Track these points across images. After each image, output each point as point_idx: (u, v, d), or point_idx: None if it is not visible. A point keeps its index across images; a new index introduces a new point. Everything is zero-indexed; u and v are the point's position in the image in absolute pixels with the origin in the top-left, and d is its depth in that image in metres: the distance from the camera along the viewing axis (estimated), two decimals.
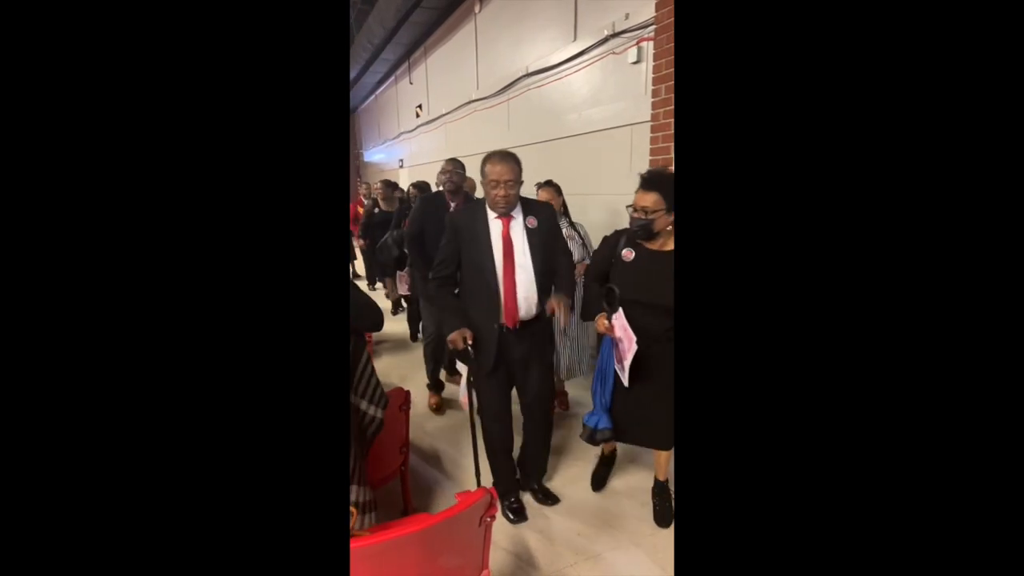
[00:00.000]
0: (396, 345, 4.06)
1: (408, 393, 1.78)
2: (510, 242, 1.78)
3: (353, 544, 0.86)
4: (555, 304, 1.68)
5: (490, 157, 1.73)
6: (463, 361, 1.89)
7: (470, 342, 1.73)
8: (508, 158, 1.73)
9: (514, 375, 1.91)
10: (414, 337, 4.09)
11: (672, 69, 2.37)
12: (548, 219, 1.87)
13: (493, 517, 1.09)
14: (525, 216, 1.82)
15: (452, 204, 2.58)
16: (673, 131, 2.39)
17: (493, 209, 1.78)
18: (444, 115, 6.16)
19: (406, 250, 2.73)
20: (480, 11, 5.03)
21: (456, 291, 1.91)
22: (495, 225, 1.80)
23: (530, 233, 1.81)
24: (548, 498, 2.05)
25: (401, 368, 3.58)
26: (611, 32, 3.05)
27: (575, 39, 3.54)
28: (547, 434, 2.05)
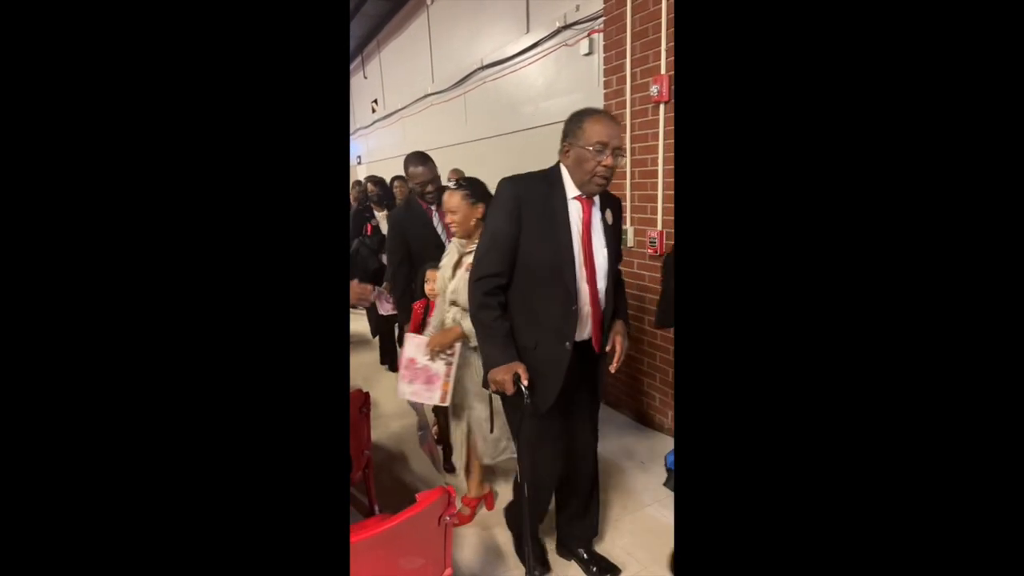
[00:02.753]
0: (356, 344, 3.98)
1: (368, 395, 1.74)
2: (590, 234, 1.29)
3: None
4: (619, 337, 1.33)
5: (591, 114, 1.23)
6: (509, 405, 1.39)
7: (524, 382, 1.23)
8: (612, 117, 1.25)
9: (564, 412, 1.41)
10: (384, 361, 3.52)
11: (622, 60, 2.39)
12: (618, 218, 1.41)
13: (452, 516, 1.08)
14: (603, 208, 1.34)
15: (435, 213, 2.15)
16: (626, 122, 2.41)
17: (583, 187, 1.26)
18: (401, 110, 6.05)
19: (389, 277, 2.25)
20: (432, 3, 4.95)
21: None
22: (575, 208, 1.28)
23: (606, 230, 1.34)
24: (607, 571, 1.54)
25: (364, 368, 3.51)
26: (563, 24, 3.05)
27: (528, 31, 3.52)
28: (596, 483, 1.56)
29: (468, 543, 1.74)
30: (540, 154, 3.58)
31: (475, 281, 1.31)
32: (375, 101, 7.10)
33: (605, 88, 2.58)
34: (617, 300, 1.40)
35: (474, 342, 1.56)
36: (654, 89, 2.20)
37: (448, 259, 1.72)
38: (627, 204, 2.49)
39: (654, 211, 2.34)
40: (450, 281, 1.67)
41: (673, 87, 2.17)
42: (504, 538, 1.78)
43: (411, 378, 1.72)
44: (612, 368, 1.34)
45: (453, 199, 1.57)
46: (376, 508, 1.86)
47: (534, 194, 1.27)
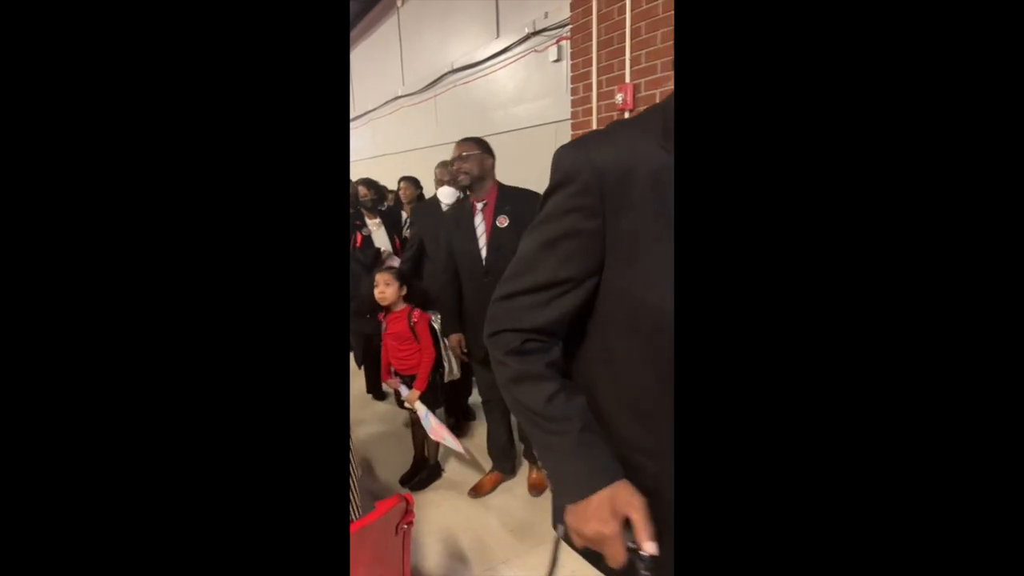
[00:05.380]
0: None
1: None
2: None
3: None
4: None
5: None
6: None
7: (647, 548, 0.55)
8: None
9: None
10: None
11: (589, 68, 2.43)
12: None
13: (410, 524, 1.07)
14: None
15: (479, 205, 1.85)
16: (594, 129, 2.45)
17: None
18: (371, 111, 5.99)
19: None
20: (403, 5, 4.92)
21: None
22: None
23: None
24: None
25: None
26: (532, 30, 3.08)
27: (498, 36, 3.54)
28: None
29: (431, 551, 1.73)
30: (512, 159, 3.60)
31: (490, 336, 0.66)
32: None
33: (572, 95, 2.61)
34: None
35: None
36: (619, 97, 2.24)
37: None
38: None
39: None
40: None
41: (636, 96, 2.21)
42: (467, 543, 1.77)
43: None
44: None
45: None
46: None
47: (639, 164, 0.57)
